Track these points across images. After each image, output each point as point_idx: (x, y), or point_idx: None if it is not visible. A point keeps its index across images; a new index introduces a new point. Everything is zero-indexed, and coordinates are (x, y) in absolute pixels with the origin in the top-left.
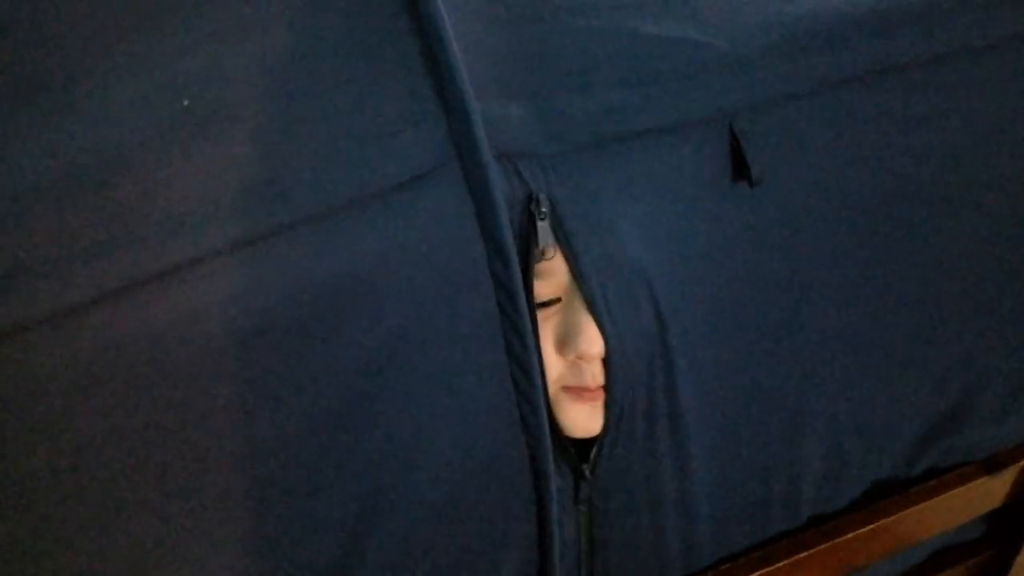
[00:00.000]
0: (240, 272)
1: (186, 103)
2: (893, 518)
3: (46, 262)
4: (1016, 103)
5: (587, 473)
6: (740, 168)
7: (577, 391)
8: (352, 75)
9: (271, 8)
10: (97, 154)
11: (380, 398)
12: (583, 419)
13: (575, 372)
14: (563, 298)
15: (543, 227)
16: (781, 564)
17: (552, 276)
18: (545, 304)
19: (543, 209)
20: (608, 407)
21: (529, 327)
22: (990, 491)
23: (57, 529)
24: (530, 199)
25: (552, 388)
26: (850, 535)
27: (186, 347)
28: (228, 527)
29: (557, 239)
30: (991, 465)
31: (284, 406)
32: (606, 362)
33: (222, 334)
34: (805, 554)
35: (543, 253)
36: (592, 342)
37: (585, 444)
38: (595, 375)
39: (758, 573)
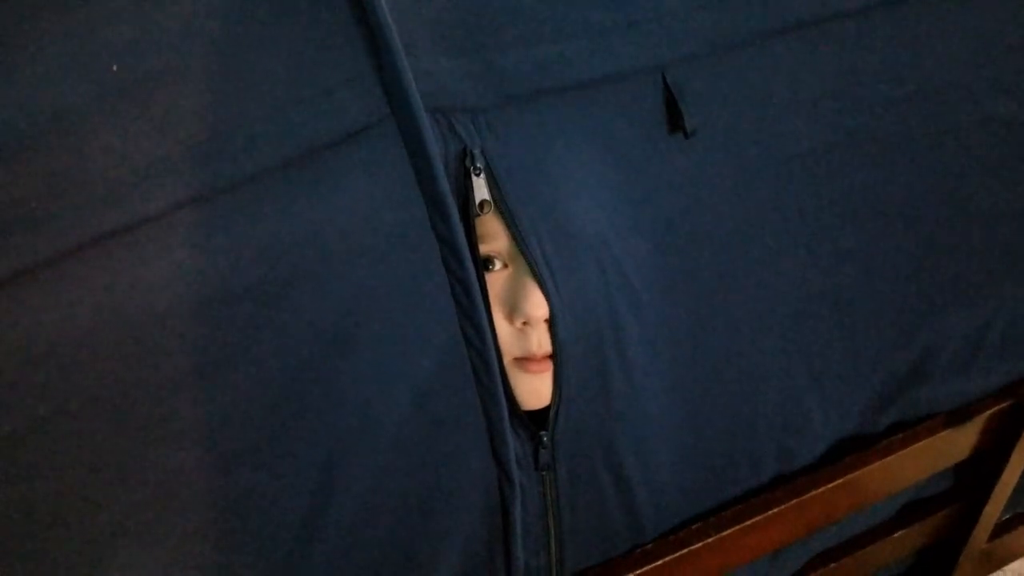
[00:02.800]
0: (182, 237)
1: (115, 68)
2: (861, 472)
3: None
4: (956, 52)
5: (545, 439)
6: (676, 119)
7: (526, 363)
8: (283, 34)
9: None
10: (28, 122)
11: (333, 363)
12: (534, 390)
13: (522, 340)
14: (509, 264)
15: (478, 182)
16: (751, 521)
17: (496, 240)
18: (491, 270)
19: (478, 164)
20: (556, 371)
21: (475, 281)
22: (957, 443)
23: (8, 512)
24: (465, 154)
25: (505, 359)
26: (819, 490)
27: (131, 317)
28: (188, 499)
29: (492, 194)
30: (957, 417)
31: (237, 376)
32: (551, 325)
33: (167, 302)
34: (775, 511)
35: (480, 208)
36: (537, 305)
37: (542, 411)
38: (541, 341)
39: (729, 531)
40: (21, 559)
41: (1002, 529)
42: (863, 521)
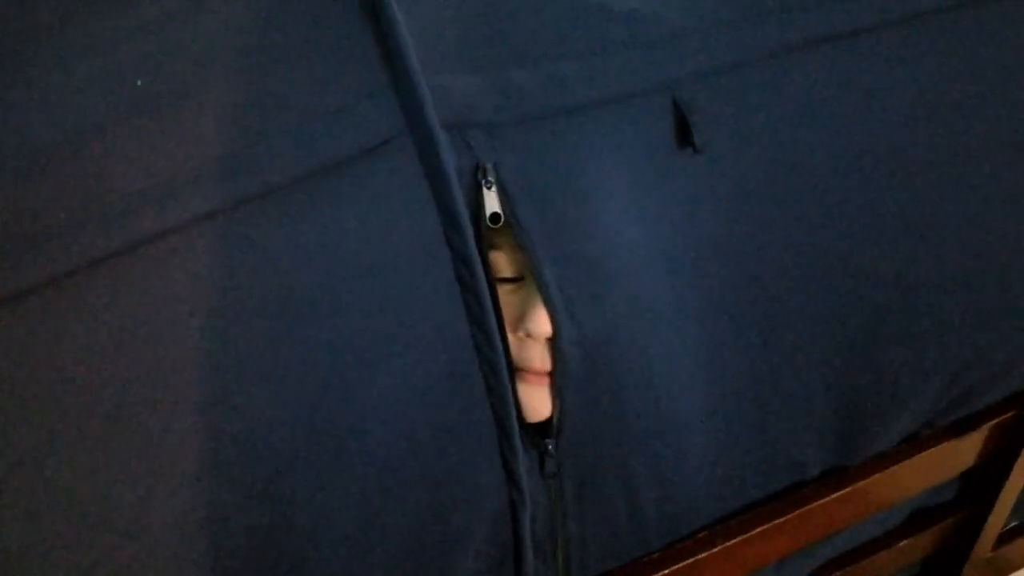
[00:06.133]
0: (199, 250)
1: (139, 83)
2: (866, 482)
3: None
4: (973, 68)
5: (551, 448)
6: (686, 135)
7: (524, 373)
8: (302, 51)
9: None
10: (53, 135)
11: (351, 376)
12: (532, 401)
13: (523, 349)
14: (523, 277)
15: (489, 195)
16: (757, 531)
17: (514, 252)
18: (507, 280)
19: (490, 178)
20: (556, 388)
21: (487, 292)
22: (961, 452)
23: (21, 515)
24: (478, 168)
25: None
26: (824, 500)
27: (146, 331)
28: (195, 516)
29: (504, 208)
30: (961, 427)
31: (256, 390)
32: (554, 346)
33: (184, 316)
34: (780, 520)
35: (491, 220)
36: (542, 323)
37: (544, 421)
38: (542, 357)
39: (734, 541)
40: (45, 555)
41: (1006, 538)
42: (868, 531)
